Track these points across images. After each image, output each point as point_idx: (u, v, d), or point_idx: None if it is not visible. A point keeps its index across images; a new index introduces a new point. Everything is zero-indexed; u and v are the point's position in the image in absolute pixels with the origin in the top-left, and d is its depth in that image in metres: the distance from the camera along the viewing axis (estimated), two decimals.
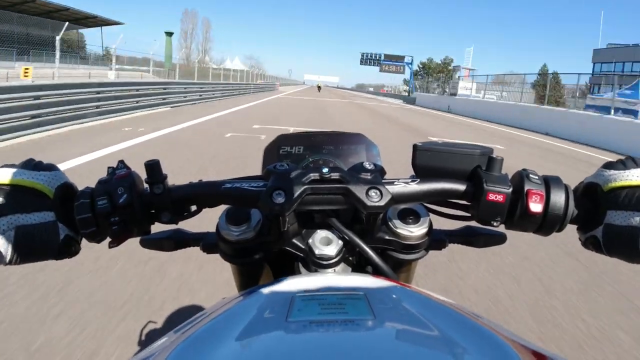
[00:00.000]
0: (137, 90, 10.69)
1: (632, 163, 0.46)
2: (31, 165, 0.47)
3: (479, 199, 0.47)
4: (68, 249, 0.47)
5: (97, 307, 1.95)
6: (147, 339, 1.71)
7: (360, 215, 0.49)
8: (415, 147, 0.52)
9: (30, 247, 0.44)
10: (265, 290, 0.40)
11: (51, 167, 0.48)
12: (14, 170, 0.46)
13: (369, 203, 0.44)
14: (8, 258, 0.43)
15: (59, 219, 0.46)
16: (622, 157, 0.48)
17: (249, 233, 0.51)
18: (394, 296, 0.38)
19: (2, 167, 0.46)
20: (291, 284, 0.41)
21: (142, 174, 0.50)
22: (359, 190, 0.45)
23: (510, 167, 0.47)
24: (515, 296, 2.37)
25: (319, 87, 54.20)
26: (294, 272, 0.55)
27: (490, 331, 0.32)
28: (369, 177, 0.47)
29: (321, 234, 0.51)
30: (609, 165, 0.47)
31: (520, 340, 0.34)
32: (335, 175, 0.46)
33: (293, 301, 0.36)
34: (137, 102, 10.53)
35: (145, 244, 0.59)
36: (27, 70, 8.70)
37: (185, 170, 4.74)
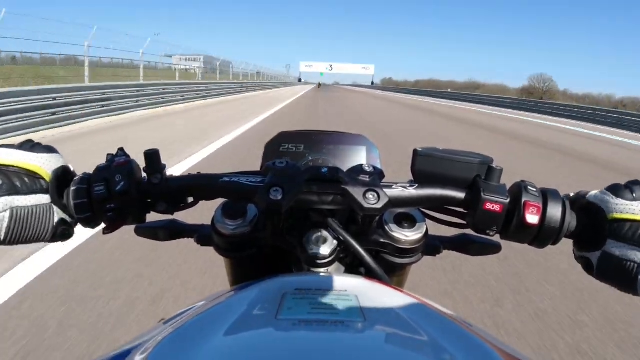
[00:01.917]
0: None
1: None
2: (29, 146, 0.47)
3: (476, 207, 0.47)
4: (62, 233, 0.47)
5: None
6: None
7: (357, 216, 0.49)
8: (415, 152, 0.52)
9: (24, 229, 0.44)
10: (257, 286, 0.40)
11: (50, 149, 0.48)
12: (11, 150, 0.45)
13: (365, 205, 0.44)
14: (2, 238, 0.43)
15: (55, 202, 0.46)
16: (630, 182, 0.46)
17: (244, 228, 0.51)
18: (385, 299, 0.38)
19: None
20: (283, 282, 0.41)
21: (142, 163, 0.50)
22: (356, 192, 0.45)
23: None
24: None
25: (319, 85, 52.75)
26: (287, 269, 0.55)
27: (479, 339, 0.32)
28: (368, 180, 0.47)
29: (316, 233, 0.51)
30: (615, 191, 0.46)
31: (510, 351, 0.34)
32: (333, 176, 0.46)
33: (284, 299, 0.36)
34: None
35: (140, 232, 0.60)
36: None
37: None
